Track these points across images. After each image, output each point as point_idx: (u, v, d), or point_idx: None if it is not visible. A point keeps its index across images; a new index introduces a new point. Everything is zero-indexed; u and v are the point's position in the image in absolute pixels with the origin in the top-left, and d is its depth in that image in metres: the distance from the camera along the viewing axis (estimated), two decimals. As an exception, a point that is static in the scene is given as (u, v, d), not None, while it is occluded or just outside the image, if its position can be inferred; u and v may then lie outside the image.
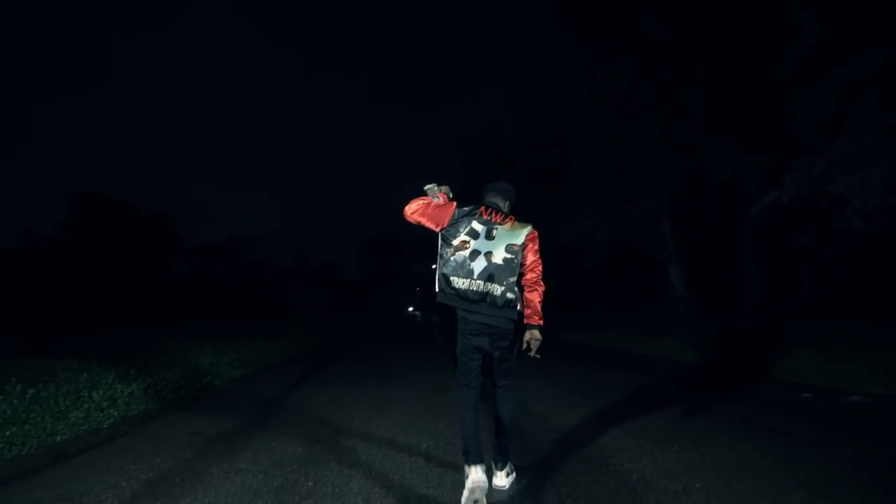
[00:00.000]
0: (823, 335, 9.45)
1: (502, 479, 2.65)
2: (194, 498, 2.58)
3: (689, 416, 4.33)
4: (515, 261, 2.54)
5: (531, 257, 2.61)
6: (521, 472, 2.85)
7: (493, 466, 2.68)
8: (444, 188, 2.82)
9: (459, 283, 2.52)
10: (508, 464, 2.70)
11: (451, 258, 2.56)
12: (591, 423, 4.07)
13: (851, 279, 15.48)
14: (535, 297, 2.58)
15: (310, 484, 2.76)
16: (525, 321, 2.58)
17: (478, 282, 2.50)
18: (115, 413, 4.57)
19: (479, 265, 2.51)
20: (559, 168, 23.41)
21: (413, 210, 2.68)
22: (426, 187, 2.77)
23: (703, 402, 4.95)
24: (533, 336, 2.55)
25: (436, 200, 2.72)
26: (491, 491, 2.58)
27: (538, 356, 2.58)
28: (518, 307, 2.57)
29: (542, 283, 2.63)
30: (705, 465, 2.96)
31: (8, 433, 3.63)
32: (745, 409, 4.63)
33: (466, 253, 2.54)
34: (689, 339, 10.30)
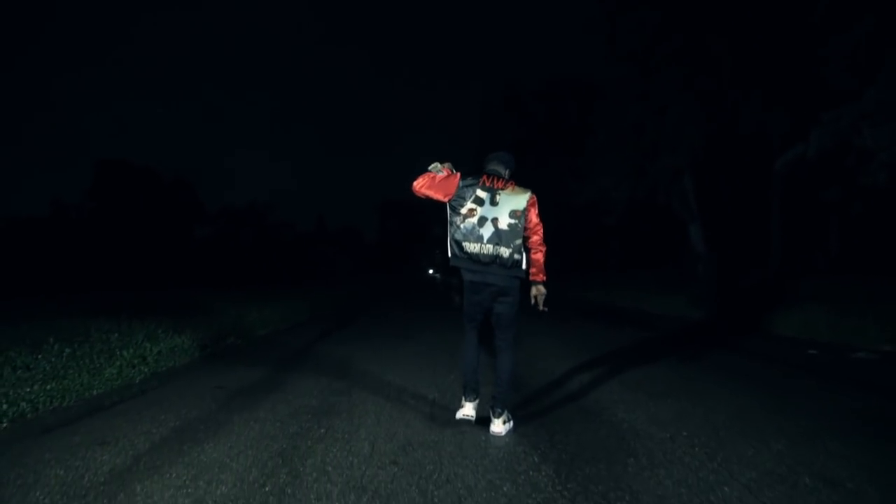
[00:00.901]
0: (841, 292, 9.36)
1: (499, 426, 2.83)
2: (217, 442, 2.83)
3: (690, 370, 4.44)
4: (519, 225, 2.81)
5: (533, 220, 2.89)
6: (519, 421, 3.02)
7: (492, 414, 2.87)
8: (447, 164, 3.00)
9: (471, 247, 2.80)
10: (505, 412, 2.88)
11: (461, 225, 2.83)
12: (593, 378, 4.21)
13: (879, 236, 15.08)
14: (539, 256, 2.92)
15: (322, 431, 2.99)
16: (531, 278, 2.91)
17: (488, 246, 2.78)
18: (146, 369, 4.90)
19: (487, 231, 2.79)
20: (579, 124, 22.88)
21: (420, 184, 2.90)
22: (430, 166, 2.97)
23: (706, 358, 5.05)
24: (539, 291, 2.91)
25: (440, 174, 2.92)
26: (489, 437, 2.79)
27: (545, 308, 2.90)
28: (523, 266, 2.86)
29: (544, 244, 2.94)
30: (696, 416, 3.08)
31: (48, 387, 3.95)
32: (748, 365, 4.72)
33: (475, 220, 2.80)
34: (704, 298, 10.30)
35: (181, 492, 2.20)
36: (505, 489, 2.15)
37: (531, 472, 2.32)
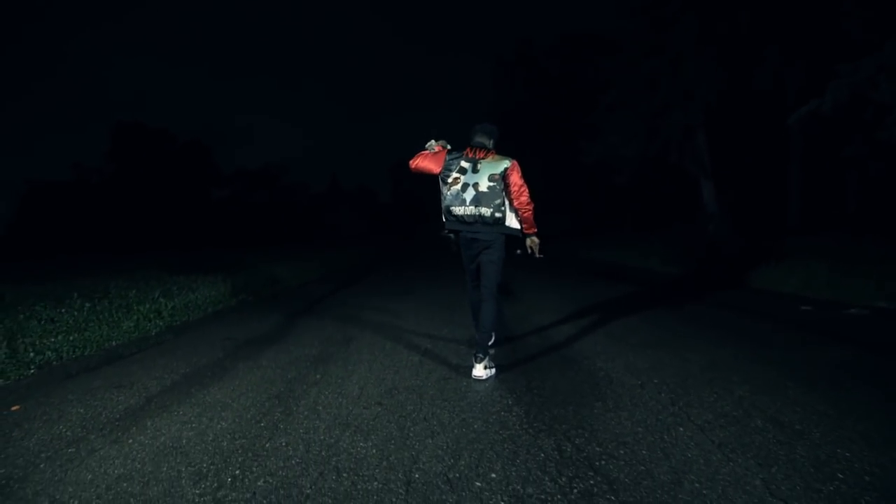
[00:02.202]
0: (852, 250, 9.29)
1: (479, 370, 3.07)
2: (221, 386, 3.09)
3: (678, 324, 4.56)
4: (497, 187, 3.09)
5: (517, 184, 3.14)
6: (502, 370, 3.23)
7: (474, 360, 3.11)
8: (441, 142, 3.37)
9: (458, 210, 3.14)
10: (487, 358, 3.12)
11: (448, 193, 3.17)
12: (581, 330, 4.37)
13: (899, 193, 14.71)
14: (528, 215, 3.22)
15: (317, 376, 3.23)
16: (525, 232, 3.30)
17: (470, 207, 3.11)
18: (161, 323, 5.21)
19: (469, 195, 3.11)
20: (593, 81, 22.26)
21: (416, 162, 3.29)
22: (427, 144, 3.35)
23: (698, 313, 5.17)
24: (533, 242, 3.36)
25: (432, 152, 3.30)
26: (470, 382, 3.00)
27: (542, 255, 3.37)
28: (507, 223, 3.18)
29: (531, 202, 3.20)
30: (671, 365, 3.24)
31: (71, 338, 4.27)
32: (738, 320, 4.82)
33: (459, 186, 3.13)
34: (710, 256, 10.30)
35: (186, 426, 2.45)
36: (475, 426, 2.36)
37: (503, 413, 2.52)
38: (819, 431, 2.20)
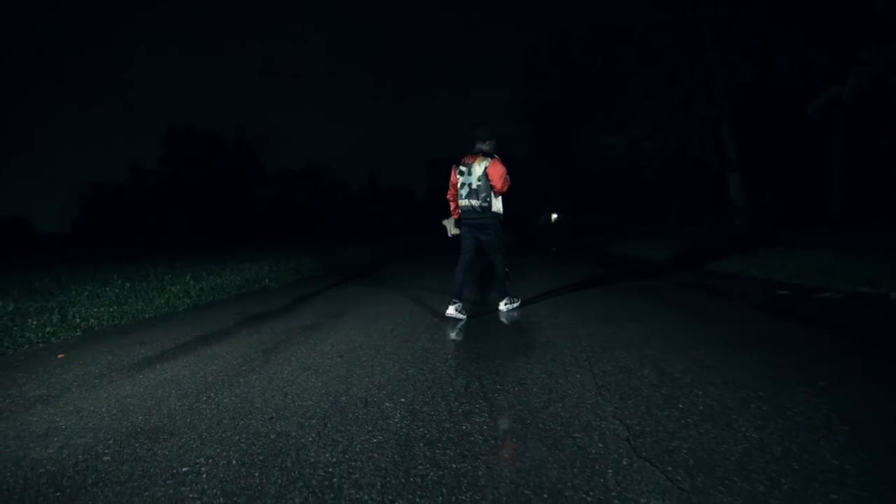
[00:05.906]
0: (872, 239, 9.13)
1: (502, 306, 4.65)
2: (221, 344, 3.73)
3: (646, 304, 4.88)
4: (483, 184, 4.37)
5: (493, 178, 4.35)
6: (458, 334, 3.70)
7: (498, 300, 4.79)
8: (450, 220, 4.83)
9: (462, 203, 4.49)
10: (506, 297, 4.70)
11: (458, 193, 4.48)
12: (551, 308, 4.76)
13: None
14: (502, 192, 4.45)
15: (301, 339, 3.82)
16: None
17: (466, 200, 4.44)
18: (188, 301, 5.98)
19: (465, 191, 4.43)
20: (621, 75, 22.11)
21: (450, 192, 4.62)
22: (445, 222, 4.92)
23: (670, 296, 5.44)
24: None
25: (450, 229, 4.82)
26: (424, 342, 3.51)
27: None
28: (493, 209, 4.40)
29: (505, 191, 4.44)
30: (607, 333, 3.61)
31: (111, 310, 5.07)
32: (705, 302, 5.07)
33: (460, 186, 4.45)
34: (723, 248, 10.30)
35: (185, 368, 3.09)
36: (409, 371, 2.86)
37: (437, 364, 3.01)
38: (691, 378, 2.57)
